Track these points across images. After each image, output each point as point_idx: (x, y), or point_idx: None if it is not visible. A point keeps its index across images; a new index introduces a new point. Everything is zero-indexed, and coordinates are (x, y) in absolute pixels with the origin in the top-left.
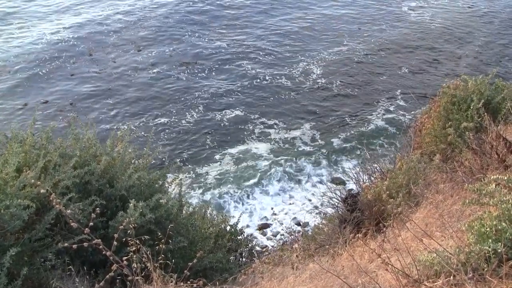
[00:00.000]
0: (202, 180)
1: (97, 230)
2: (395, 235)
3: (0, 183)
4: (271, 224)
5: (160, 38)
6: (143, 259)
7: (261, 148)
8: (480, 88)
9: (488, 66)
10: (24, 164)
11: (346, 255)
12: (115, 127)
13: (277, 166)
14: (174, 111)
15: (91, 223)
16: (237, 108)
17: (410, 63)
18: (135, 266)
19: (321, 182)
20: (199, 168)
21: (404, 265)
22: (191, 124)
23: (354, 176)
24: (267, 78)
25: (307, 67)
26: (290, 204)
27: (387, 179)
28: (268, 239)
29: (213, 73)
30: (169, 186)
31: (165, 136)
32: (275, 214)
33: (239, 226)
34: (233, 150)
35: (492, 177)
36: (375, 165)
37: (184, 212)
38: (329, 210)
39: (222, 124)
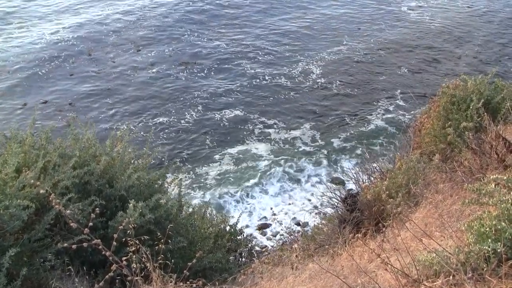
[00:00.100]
0: (202, 180)
1: (96, 230)
2: (394, 235)
3: None
4: (271, 224)
5: (159, 37)
6: (143, 259)
7: (261, 148)
8: (479, 88)
9: (488, 65)
10: (23, 164)
11: (345, 255)
12: (114, 127)
13: (276, 166)
14: (173, 111)
15: (90, 223)
16: (237, 108)
17: (410, 63)
18: (135, 266)
19: (320, 182)
20: (199, 168)
21: (403, 265)
22: (191, 124)
23: (353, 176)
24: (266, 77)
25: (307, 66)
26: (290, 204)
27: (387, 179)
28: (267, 239)
29: (212, 73)
30: (169, 186)
31: (165, 136)
32: (274, 214)
33: (239, 226)
34: (232, 150)
35: (491, 176)
36: (375, 165)
37: (183, 212)
38: (329, 210)
39: (221, 124)
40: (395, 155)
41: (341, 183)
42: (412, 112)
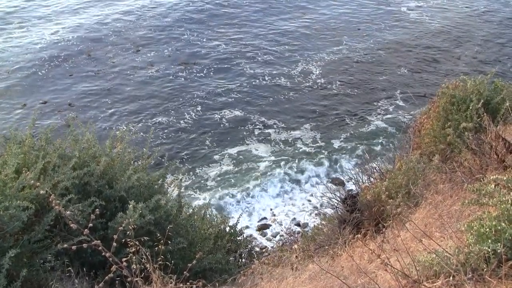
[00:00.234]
0: (202, 180)
1: (96, 231)
2: (394, 236)
3: None
4: (271, 225)
5: (158, 37)
6: (143, 260)
7: (261, 148)
8: (479, 88)
9: (487, 65)
10: (23, 165)
11: (345, 255)
12: (113, 127)
13: (276, 167)
14: (172, 111)
15: (90, 224)
16: (236, 108)
17: (409, 63)
18: (135, 267)
19: (320, 182)
20: (199, 169)
21: (403, 265)
22: (190, 124)
23: (353, 176)
24: (266, 77)
25: (306, 66)
26: (290, 204)
27: (387, 179)
28: (267, 240)
29: (212, 73)
30: (169, 187)
31: (164, 136)
32: (274, 215)
33: (239, 227)
34: (232, 150)
35: (491, 177)
36: (375, 166)
37: (183, 213)
38: (329, 211)
39: (221, 124)
40: (395, 155)
41: (341, 183)
42: (411, 112)
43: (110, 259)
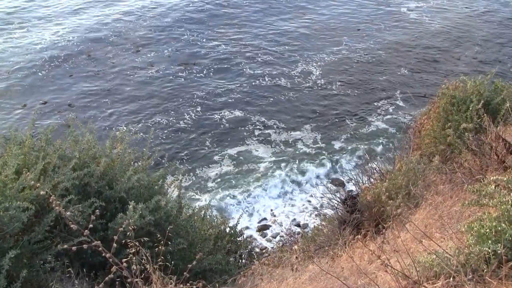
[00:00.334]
0: (202, 181)
1: (96, 232)
2: (394, 237)
3: None
4: (271, 226)
5: (158, 37)
6: (143, 261)
7: (261, 149)
8: (479, 89)
9: (487, 65)
10: (23, 166)
11: (345, 256)
12: (113, 127)
13: (276, 167)
14: (172, 111)
15: (90, 225)
16: (236, 108)
17: (409, 63)
18: (135, 268)
19: (320, 183)
20: (199, 169)
21: (403, 266)
22: (190, 125)
23: (353, 177)
24: (266, 78)
25: (306, 67)
26: (290, 205)
27: (387, 180)
28: (267, 240)
29: (212, 73)
30: (169, 188)
31: (164, 137)
32: (274, 216)
33: (239, 228)
34: (232, 151)
35: (491, 178)
36: (375, 166)
37: (183, 214)
38: (329, 212)
39: (221, 125)
40: (395, 156)
41: (341, 184)
42: (411, 112)
43: (110, 260)
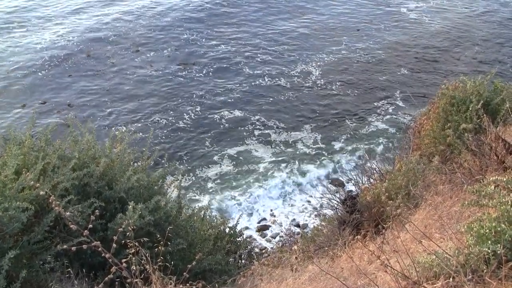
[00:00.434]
0: (201, 181)
1: (96, 232)
2: (394, 237)
3: None
4: (270, 226)
5: (158, 37)
6: (142, 261)
7: (260, 149)
8: (478, 89)
9: (487, 65)
10: (23, 166)
11: (345, 257)
12: (113, 127)
13: (276, 168)
14: (172, 111)
15: (90, 225)
16: (236, 108)
17: (409, 62)
18: (134, 268)
19: (320, 183)
20: (198, 170)
21: (403, 266)
22: (189, 124)
23: (353, 177)
24: (265, 77)
25: (306, 67)
26: (289, 205)
27: (386, 180)
28: (267, 241)
29: (211, 73)
30: (168, 188)
31: (163, 136)
32: (274, 216)
33: (238, 228)
34: (231, 151)
35: (491, 178)
36: (374, 167)
37: (183, 214)
38: (328, 212)
39: (221, 125)
40: (395, 156)
41: (341, 184)
42: (411, 113)
43: (110, 260)
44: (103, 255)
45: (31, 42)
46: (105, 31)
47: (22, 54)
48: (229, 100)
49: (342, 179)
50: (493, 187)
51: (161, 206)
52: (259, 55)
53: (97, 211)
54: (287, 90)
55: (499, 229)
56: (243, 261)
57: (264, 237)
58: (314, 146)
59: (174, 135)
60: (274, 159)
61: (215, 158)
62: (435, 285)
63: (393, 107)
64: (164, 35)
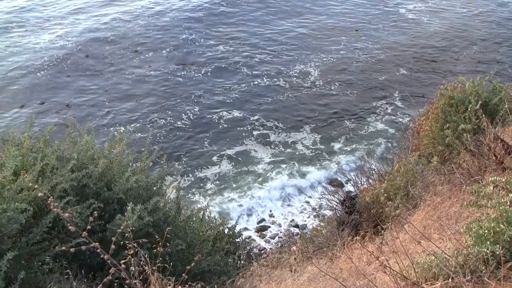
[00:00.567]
0: (200, 182)
1: (95, 234)
2: (393, 238)
3: None
4: (269, 227)
5: (156, 37)
6: (141, 262)
7: (259, 149)
8: (477, 89)
9: (486, 66)
10: (21, 167)
11: (344, 257)
12: (112, 128)
13: (275, 168)
14: (170, 111)
15: (88, 226)
16: (235, 108)
17: (408, 64)
18: (133, 269)
19: (319, 184)
20: (197, 170)
21: (402, 267)
22: (188, 125)
23: (352, 178)
24: (264, 78)
25: (304, 67)
26: (288, 206)
27: (385, 181)
28: (266, 241)
29: (210, 73)
30: (167, 189)
31: (162, 137)
32: (273, 217)
33: (237, 229)
34: (230, 151)
35: (490, 179)
36: (373, 167)
37: (182, 215)
38: (327, 213)
39: (219, 125)
40: (394, 157)
41: (340, 185)
42: (410, 113)
43: (109, 261)
44: (101, 256)
45: (30, 42)
46: (104, 31)
47: (21, 54)
48: (228, 100)
49: (341, 180)
50: (492, 187)
51: (160, 207)
52: (257, 55)
53: (95, 212)
54: (285, 90)
55: (498, 229)
56: (242, 262)
57: (263, 238)
58: (313, 147)
59: (172, 135)
60: (273, 159)
61: (214, 158)
62: (434, 286)
63: (392, 107)
64: (163, 35)
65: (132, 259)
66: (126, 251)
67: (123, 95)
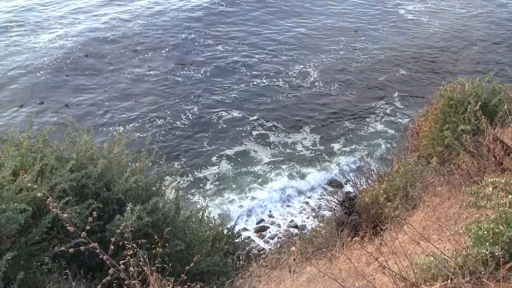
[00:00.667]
0: (199, 182)
1: (94, 234)
2: (392, 238)
3: None
4: (269, 227)
5: (156, 36)
6: (140, 262)
7: (259, 150)
8: (477, 90)
9: (485, 66)
10: (20, 167)
11: (343, 258)
12: (111, 128)
13: (274, 169)
14: (169, 111)
15: (88, 227)
16: (234, 109)
17: (407, 64)
18: (132, 270)
19: (318, 185)
20: (197, 171)
21: (401, 268)
22: (187, 125)
23: (351, 178)
24: (263, 78)
25: (304, 67)
26: (288, 206)
27: (385, 182)
28: (265, 242)
29: (209, 73)
30: (166, 189)
31: (161, 137)
32: (272, 217)
33: (237, 229)
34: (230, 152)
35: (489, 180)
36: (373, 168)
37: (181, 215)
38: (327, 213)
39: (219, 125)
40: (393, 157)
41: (339, 186)
42: (410, 114)
43: (108, 261)
44: (101, 256)
45: (29, 42)
46: (103, 31)
47: (20, 53)
48: (227, 100)
49: (340, 180)
50: (491, 188)
51: (159, 207)
52: (257, 55)
53: (95, 212)
54: (285, 90)
55: (497, 230)
56: (241, 262)
57: (262, 238)
58: (313, 147)
59: (171, 134)
60: (272, 160)
61: (213, 158)
62: (433, 287)
63: (392, 107)
64: (162, 35)
65: (131, 260)
66: (125, 252)
67: (122, 95)
